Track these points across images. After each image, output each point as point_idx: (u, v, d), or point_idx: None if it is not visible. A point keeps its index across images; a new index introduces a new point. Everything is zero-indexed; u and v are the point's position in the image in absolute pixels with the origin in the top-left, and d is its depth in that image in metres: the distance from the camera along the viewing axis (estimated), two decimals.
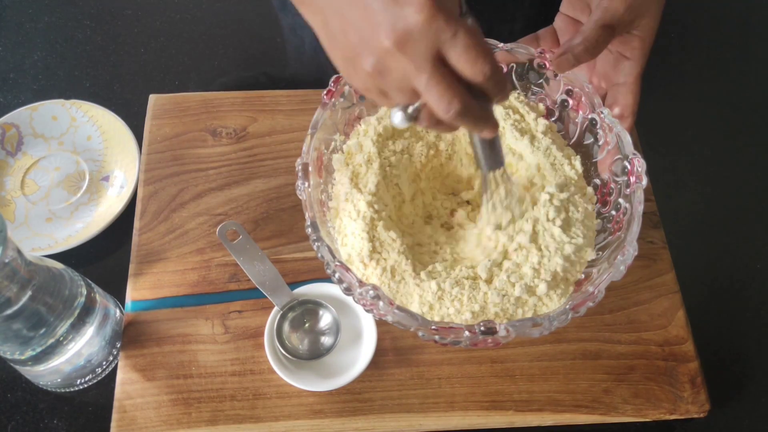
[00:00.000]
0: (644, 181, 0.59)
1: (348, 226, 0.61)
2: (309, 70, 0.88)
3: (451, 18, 0.42)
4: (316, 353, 0.65)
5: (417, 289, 0.57)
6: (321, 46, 0.50)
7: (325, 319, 0.66)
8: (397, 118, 0.46)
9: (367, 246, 0.59)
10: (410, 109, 0.46)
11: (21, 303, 0.54)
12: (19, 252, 0.53)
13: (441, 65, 0.44)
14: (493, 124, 0.49)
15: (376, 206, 0.61)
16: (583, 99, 0.64)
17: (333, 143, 0.65)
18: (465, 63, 0.43)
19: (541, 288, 0.57)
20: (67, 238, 0.73)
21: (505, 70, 0.68)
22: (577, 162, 0.65)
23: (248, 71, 0.87)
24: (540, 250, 0.58)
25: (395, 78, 0.45)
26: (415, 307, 0.57)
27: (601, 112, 0.63)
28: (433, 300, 0.57)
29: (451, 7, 0.43)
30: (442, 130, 0.50)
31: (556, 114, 0.67)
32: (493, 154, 0.55)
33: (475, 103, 0.46)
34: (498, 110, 0.66)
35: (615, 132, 0.62)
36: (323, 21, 0.47)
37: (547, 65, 0.64)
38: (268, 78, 0.87)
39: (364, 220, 0.60)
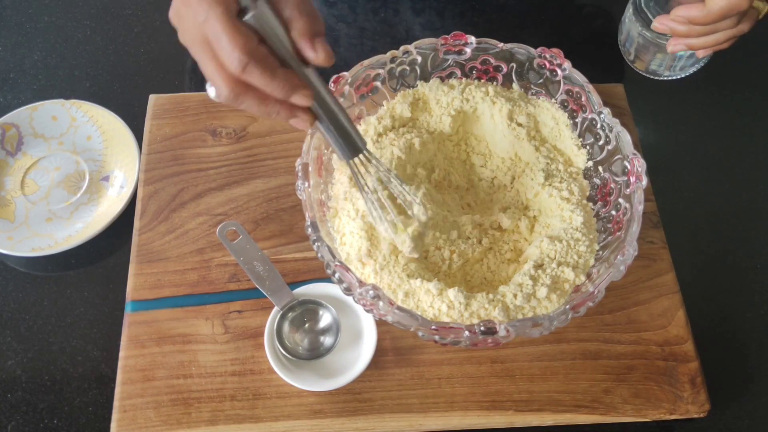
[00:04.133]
0: (644, 181, 0.59)
1: (347, 225, 0.61)
2: None
3: (206, 1, 0.42)
4: (316, 353, 0.64)
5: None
6: None
7: (325, 319, 0.66)
8: (208, 90, 0.46)
9: (365, 245, 0.59)
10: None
11: None
12: None
13: (210, 47, 0.44)
14: (292, 116, 0.48)
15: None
16: (583, 99, 0.65)
17: None
18: (218, 50, 0.44)
19: (542, 291, 0.57)
20: (67, 238, 0.73)
21: (505, 70, 0.68)
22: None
23: None
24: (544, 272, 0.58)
25: (189, 26, 0.45)
26: (410, 304, 0.57)
27: (601, 112, 0.63)
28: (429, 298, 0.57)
29: None
30: (247, 104, 0.47)
31: None
32: (338, 142, 0.53)
33: (256, 91, 0.45)
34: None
35: (615, 132, 0.62)
36: None
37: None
38: None
39: (363, 219, 0.60)
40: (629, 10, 0.70)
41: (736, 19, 0.61)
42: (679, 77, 0.74)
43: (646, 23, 0.68)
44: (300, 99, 0.47)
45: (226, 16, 0.43)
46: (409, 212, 0.58)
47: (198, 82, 0.86)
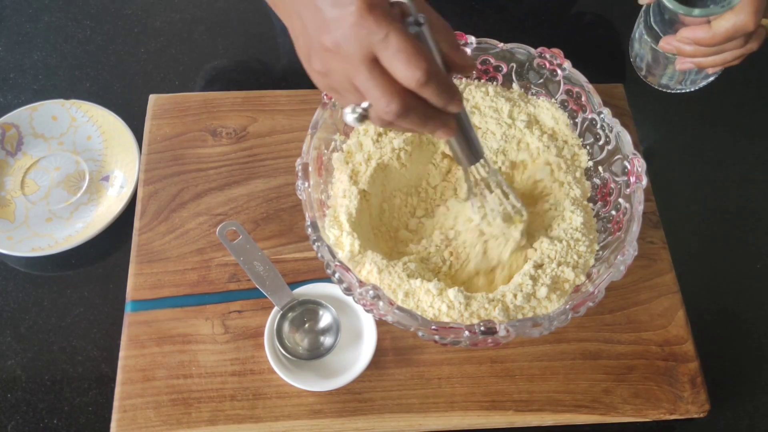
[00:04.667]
0: (644, 181, 0.59)
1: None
2: (302, 70, 0.88)
3: (384, 19, 0.42)
4: (316, 353, 0.64)
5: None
6: None
7: (325, 319, 0.66)
8: (348, 116, 0.46)
9: (356, 243, 0.59)
10: (359, 108, 0.46)
11: None
12: None
13: (379, 65, 0.44)
14: (445, 127, 0.48)
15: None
16: (583, 99, 0.65)
17: (333, 143, 0.65)
18: (397, 67, 0.43)
19: (542, 291, 0.57)
20: (67, 238, 0.73)
21: (505, 70, 0.68)
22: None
23: (248, 71, 0.87)
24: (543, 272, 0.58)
25: (339, 78, 0.46)
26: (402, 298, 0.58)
27: (601, 113, 0.63)
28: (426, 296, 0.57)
29: (387, 8, 0.43)
30: (398, 130, 0.49)
31: None
32: (466, 148, 0.54)
33: (423, 103, 0.45)
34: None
35: (615, 132, 0.62)
36: (289, 22, 0.49)
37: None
38: (268, 77, 0.87)
39: (349, 219, 0.60)
40: (639, 26, 0.70)
41: (744, 40, 0.61)
42: (690, 90, 0.74)
43: (656, 39, 0.68)
44: (456, 106, 0.47)
45: (406, 31, 0.43)
46: (511, 211, 0.61)
47: (198, 82, 0.86)
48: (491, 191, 0.59)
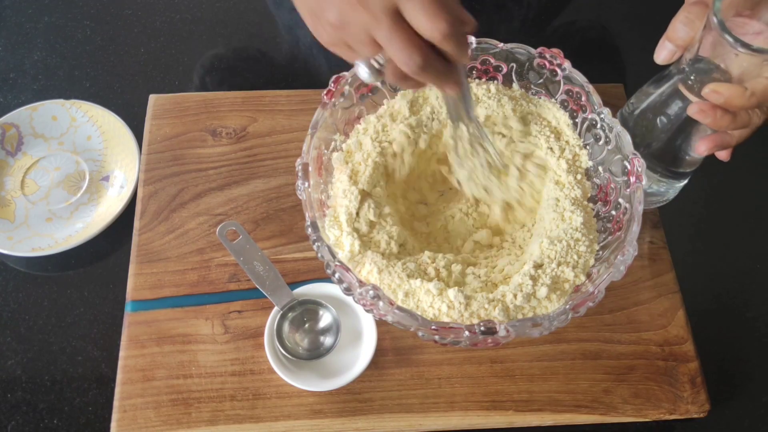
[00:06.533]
0: (644, 181, 0.59)
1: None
2: (304, 68, 0.88)
3: None
4: (316, 353, 0.64)
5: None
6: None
7: (325, 319, 0.66)
8: (363, 71, 0.46)
9: (356, 243, 0.59)
10: (374, 62, 0.45)
11: None
12: None
13: (401, 18, 0.44)
14: (455, 82, 0.49)
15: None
16: (583, 99, 0.64)
17: (333, 143, 0.65)
18: (421, 18, 0.43)
19: (542, 291, 0.57)
20: (67, 238, 0.73)
21: (505, 70, 0.68)
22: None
23: (248, 71, 0.87)
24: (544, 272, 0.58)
25: (356, 30, 0.45)
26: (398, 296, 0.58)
27: (601, 113, 0.63)
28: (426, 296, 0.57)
29: None
30: (408, 86, 0.50)
31: None
32: (461, 106, 0.55)
33: (438, 58, 0.45)
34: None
35: (615, 132, 0.62)
36: None
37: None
38: (268, 77, 0.87)
39: (349, 219, 0.60)
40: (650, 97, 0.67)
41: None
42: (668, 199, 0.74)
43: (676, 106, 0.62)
44: (467, 58, 0.47)
45: None
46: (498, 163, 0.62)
47: (198, 82, 0.86)
48: (483, 147, 0.60)
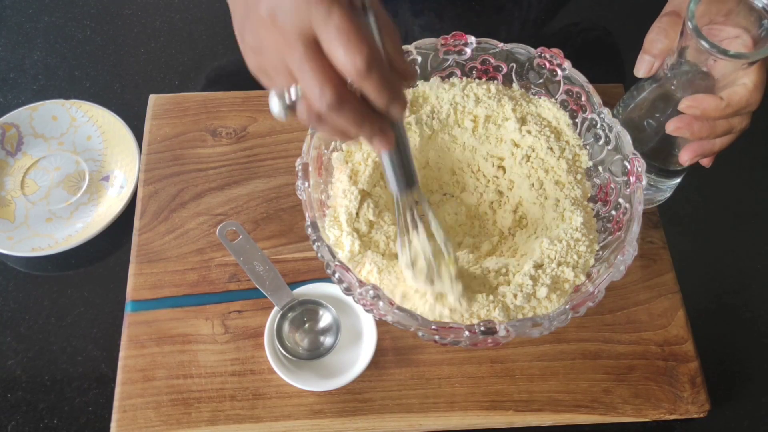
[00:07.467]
0: (644, 181, 0.59)
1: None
2: None
3: None
4: (316, 353, 0.65)
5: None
6: None
7: (325, 319, 0.66)
8: (274, 104, 0.41)
9: (356, 243, 0.59)
10: (286, 96, 0.40)
11: None
12: None
13: (317, 46, 0.38)
14: (384, 136, 0.42)
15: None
16: (583, 99, 0.64)
17: (333, 143, 0.65)
18: (336, 49, 0.37)
19: (542, 291, 0.57)
20: (67, 238, 0.73)
21: (505, 70, 0.68)
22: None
23: (248, 71, 0.87)
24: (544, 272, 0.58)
25: (271, 56, 0.41)
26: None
27: (601, 113, 0.63)
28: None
29: None
30: (325, 131, 0.42)
31: None
32: (400, 169, 0.48)
33: (358, 101, 0.40)
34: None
35: (615, 132, 0.62)
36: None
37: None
38: None
39: (349, 219, 0.60)
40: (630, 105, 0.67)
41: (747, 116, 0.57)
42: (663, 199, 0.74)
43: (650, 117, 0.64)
44: (398, 109, 0.41)
45: (352, 13, 0.38)
46: (444, 249, 0.55)
47: (198, 82, 0.86)
48: (422, 223, 0.54)
